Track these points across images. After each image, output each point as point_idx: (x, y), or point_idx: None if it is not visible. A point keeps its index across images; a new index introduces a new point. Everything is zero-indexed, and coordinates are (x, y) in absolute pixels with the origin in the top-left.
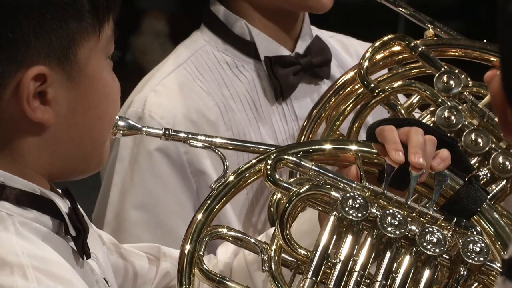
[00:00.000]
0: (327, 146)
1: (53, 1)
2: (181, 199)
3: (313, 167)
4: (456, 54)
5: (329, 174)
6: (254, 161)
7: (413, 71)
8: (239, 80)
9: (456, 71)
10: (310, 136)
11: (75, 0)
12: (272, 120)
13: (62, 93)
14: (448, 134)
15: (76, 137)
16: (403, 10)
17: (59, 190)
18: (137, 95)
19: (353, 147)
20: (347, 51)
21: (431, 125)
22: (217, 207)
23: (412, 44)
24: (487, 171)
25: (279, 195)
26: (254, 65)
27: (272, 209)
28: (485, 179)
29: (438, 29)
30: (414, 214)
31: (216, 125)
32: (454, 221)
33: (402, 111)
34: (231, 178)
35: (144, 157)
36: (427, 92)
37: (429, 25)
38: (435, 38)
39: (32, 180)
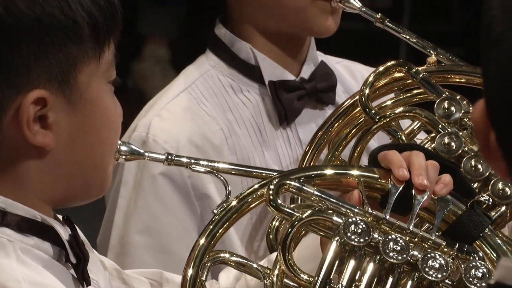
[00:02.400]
0: (329, 171)
1: (53, 25)
2: (185, 224)
3: (315, 192)
4: (458, 80)
5: (331, 199)
6: (256, 186)
7: (415, 97)
8: (243, 105)
9: (458, 97)
10: (312, 161)
11: (75, 24)
12: (276, 145)
13: (62, 117)
14: (451, 161)
15: (77, 162)
16: (405, 36)
17: (60, 217)
18: (142, 120)
19: (355, 172)
20: (353, 77)
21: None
22: (219, 232)
23: (414, 70)
24: (488, 197)
25: (277, 222)
26: (259, 90)
27: (271, 236)
28: (486, 204)
29: (441, 56)
30: (416, 239)
31: (220, 149)
32: (457, 246)
33: (403, 137)
34: (234, 203)
35: (148, 182)
36: (428, 118)
37: (431, 52)
38: (437, 64)
39: (33, 206)
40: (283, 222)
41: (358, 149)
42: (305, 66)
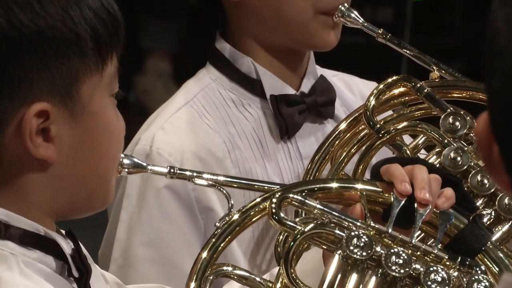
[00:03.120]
0: (332, 185)
1: (55, 38)
2: (188, 237)
3: (318, 206)
4: (461, 96)
5: (334, 213)
6: (258, 199)
7: (418, 112)
8: (245, 118)
9: (462, 112)
10: (316, 176)
11: (78, 37)
12: (277, 158)
13: (65, 130)
14: (453, 174)
15: (80, 174)
16: (408, 51)
17: (63, 231)
18: (145, 133)
19: (358, 185)
20: (350, 90)
21: (437, 165)
22: (222, 245)
23: (418, 85)
24: (491, 211)
25: (285, 235)
26: (260, 103)
27: (279, 249)
28: (491, 220)
29: (443, 71)
30: (418, 253)
31: (223, 162)
32: (459, 260)
33: (408, 152)
34: (236, 216)
35: (152, 194)
36: (433, 133)
37: (434, 67)
38: (440, 79)
39: (36, 219)
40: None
41: (362, 165)
42: (305, 80)
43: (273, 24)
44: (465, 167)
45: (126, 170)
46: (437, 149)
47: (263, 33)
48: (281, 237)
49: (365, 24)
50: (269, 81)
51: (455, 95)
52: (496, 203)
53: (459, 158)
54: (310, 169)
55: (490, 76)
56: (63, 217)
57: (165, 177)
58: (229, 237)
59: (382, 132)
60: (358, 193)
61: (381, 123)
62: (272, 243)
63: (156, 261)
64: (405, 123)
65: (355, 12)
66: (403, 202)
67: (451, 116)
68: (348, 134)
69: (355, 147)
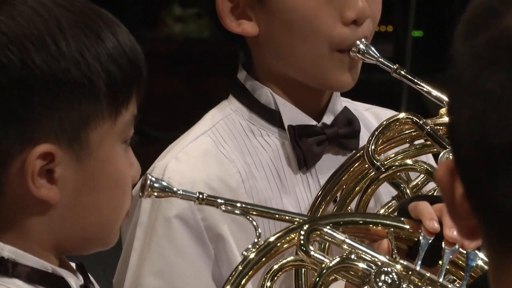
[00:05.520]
0: (359, 219)
1: (68, 82)
2: (198, 267)
3: (347, 240)
4: None
5: (362, 248)
6: (286, 230)
7: (429, 149)
8: (263, 148)
9: None
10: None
11: (91, 83)
12: (295, 190)
13: (69, 173)
14: None
15: (81, 218)
16: (420, 87)
17: (73, 264)
18: (159, 162)
19: (386, 221)
20: (379, 122)
21: None
22: (249, 273)
23: (421, 122)
24: None
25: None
26: (278, 134)
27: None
28: None
29: None
30: None
31: (237, 192)
32: None
33: (408, 191)
34: (263, 246)
35: (161, 224)
36: (431, 170)
37: (445, 103)
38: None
39: (42, 256)
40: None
41: (364, 198)
42: (328, 112)
43: (289, 60)
44: None
45: (156, 194)
46: (435, 187)
47: (280, 68)
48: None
49: (381, 59)
50: (289, 112)
51: None
52: None
53: None
54: (319, 203)
55: (458, 113)
56: (66, 254)
57: (193, 203)
58: (256, 266)
59: (383, 169)
60: (386, 229)
61: (383, 160)
62: (288, 275)
63: None
64: (407, 161)
65: (372, 48)
66: (431, 240)
67: (451, 153)
68: (354, 170)
69: (360, 184)
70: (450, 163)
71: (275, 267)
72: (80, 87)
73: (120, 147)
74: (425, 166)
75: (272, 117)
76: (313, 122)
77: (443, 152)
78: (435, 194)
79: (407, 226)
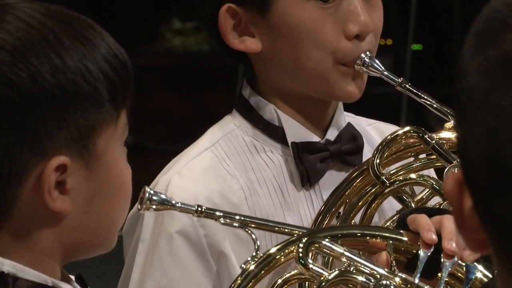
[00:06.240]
0: (358, 232)
1: (76, 92)
2: (200, 283)
3: (346, 253)
4: None
5: (360, 260)
6: (285, 243)
7: (433, 163)
8: (266, 165)
9: None
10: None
11: (96, 91)
12: (299, 206)
13: (80, 182)
14: None
15: (90, 226)
16: (425, 100)
17: (72, 277)
18: (163, 177)
19: (384, 234)
20: (382, 138)
21: None
22: (249, 286)
23: (426, 136)
24: None
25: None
26: (282, 150)
27: None
28: None
29: None
30: None
31: (240, 209)
32: None
33: (412, 205)
34: (262, 258)
35: (164, 240)
36: (436, 185)
37: (450, 117)
38: (454, 130)
39: (46, 268)
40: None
41: (368, 212)
42: (331, 128)
43: (293, 74)
44: None
45: (154, 206)
46: (440, 201)
47: (285, 83)
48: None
49: (385, 72)
50: (292, 129)
51: None
52: None
53: None
54: (323, 218)
55: (468, 128)
56: (67, 260)
57: (192, 215)
58: (255, 278)
59: (387, 183)
60: (384, 241)
61: (388, 174)
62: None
63: None
64: (411, 175)
65: (377, 61)
66: (430, 252)
67: (456, 168)
68: (357, 184)
69: (367, 195)
70: (458, 176)
71: (279, 281)
72: (87, 96)
73: (121, 149)
74: (431, 180)
75: (275, 133)
76: (317, 139)
77: (448, 167)
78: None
79: (406, 239)
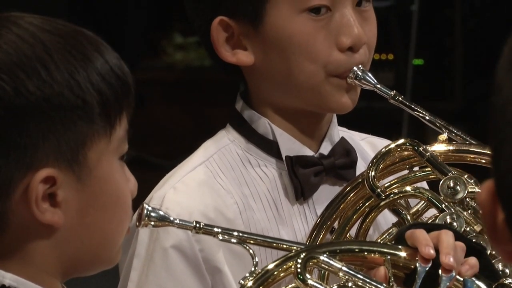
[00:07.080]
0: (356, 247)
1: (62, 105)
2: None
3: (344, 268)
4: (468, 159)
5: (358, 276)
6: (283, 258)
7: (425, 175)
8: (260, 179)
9: (466, 176)
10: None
11: (85, 103)
12: (292, 221)
13: (72, 194)
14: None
15: (86, 238)
16: (418, 114)
17: None
18: (157, 192)
19: (382, 249)
20: (375, 152)
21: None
22: None
23: (421, 149)
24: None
25: None
26: (276, 164)
27: None
28: None
29: (453, 134)
30: None
31: (234, 223)
32: None
33: (408, 217)
34: (261, 274)
35: (159, 254)
36: (431, 198)
37: (444, 130)
38: (448, 142)
39: (44, 282)
40: None
41: (364, 225)
42: (325, 142)
43: (286, 88)
44: (461, 232)
45: (153, 223)
46: (436, 214)
47: (278, 97)
48: None
49: (378, 85)
50: (286, 143)
51: (466, 158)
52: None
53: (454, 223)
54: (318, 232)
55: (500, 144)
56: (69, 277)
57: (190, 231)
58: None
59: (383, 196)
60: (382, 257)
61: (383, 187)
62: None
63: None
64: (406, 188)
65: (369, 74)
66: (428, 267)
67: (451, 180)
68: (352, 197)
69: (362, 209)
70: (492, 186)
71: None
72: (74, 109)
73: (117, 163)
74: (427, 193)
75: (269, 147)
76: (311, 153)
77: (443, 179)
78: (436, 221)
79: (404, 254)
